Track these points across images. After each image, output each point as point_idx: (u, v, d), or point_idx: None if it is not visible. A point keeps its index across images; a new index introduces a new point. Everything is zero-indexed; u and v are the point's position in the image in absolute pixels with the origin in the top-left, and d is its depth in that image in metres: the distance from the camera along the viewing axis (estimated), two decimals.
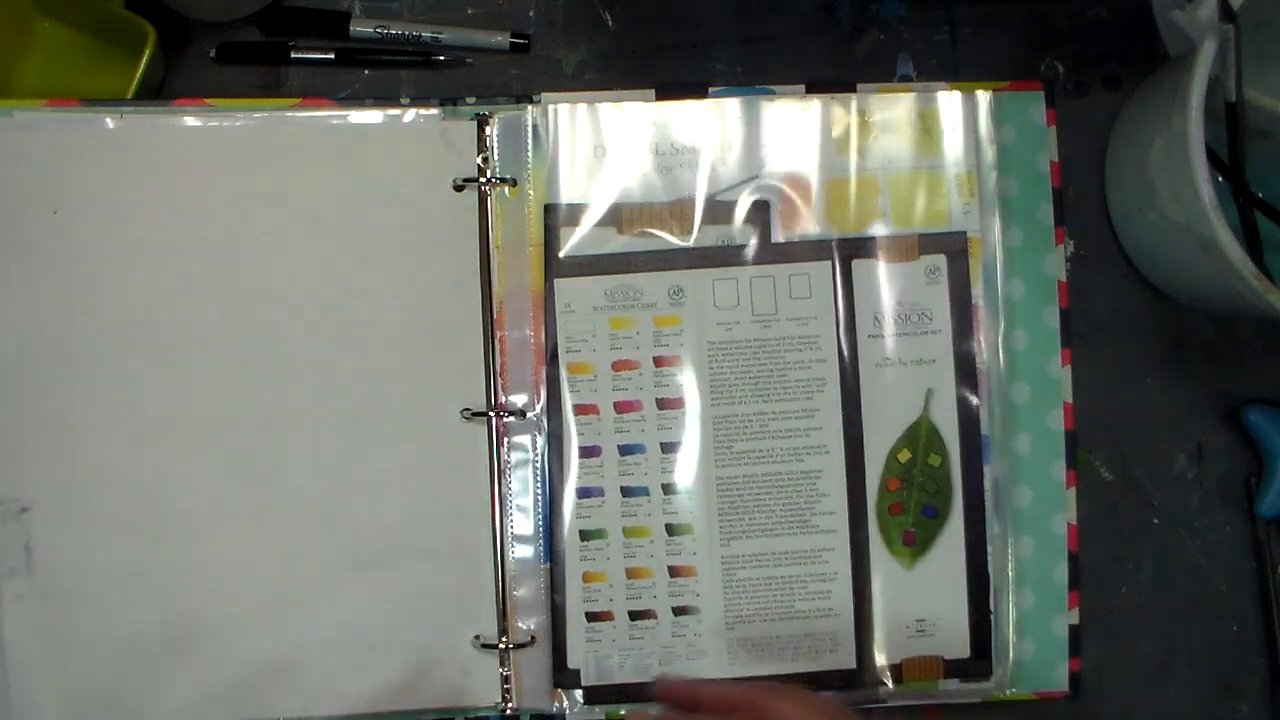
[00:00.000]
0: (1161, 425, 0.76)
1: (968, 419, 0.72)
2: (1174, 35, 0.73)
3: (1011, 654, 0.72)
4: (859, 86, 0.73)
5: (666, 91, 0.72)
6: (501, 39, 0.74)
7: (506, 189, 0.71)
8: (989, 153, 0.72)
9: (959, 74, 0.75)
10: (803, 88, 0.73)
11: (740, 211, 0.72)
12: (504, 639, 0.70)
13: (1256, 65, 0.69)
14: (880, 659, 0.71)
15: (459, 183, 0.71)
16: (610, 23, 0.76)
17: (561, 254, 0.71)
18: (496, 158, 0.71)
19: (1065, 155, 0.74)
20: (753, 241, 0.72)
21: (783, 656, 0.71)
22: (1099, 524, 0.75)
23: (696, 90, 0.72)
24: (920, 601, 0.72)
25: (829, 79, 0.73)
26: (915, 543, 0.72)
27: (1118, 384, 0.76)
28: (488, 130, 0.71)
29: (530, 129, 0.72)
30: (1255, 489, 0.75)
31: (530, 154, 0.71)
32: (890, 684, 0.71)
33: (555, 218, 0.71)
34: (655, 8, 0.76)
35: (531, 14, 0.75)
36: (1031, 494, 0.73)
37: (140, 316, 0.70)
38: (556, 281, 0.71)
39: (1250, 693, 0.76)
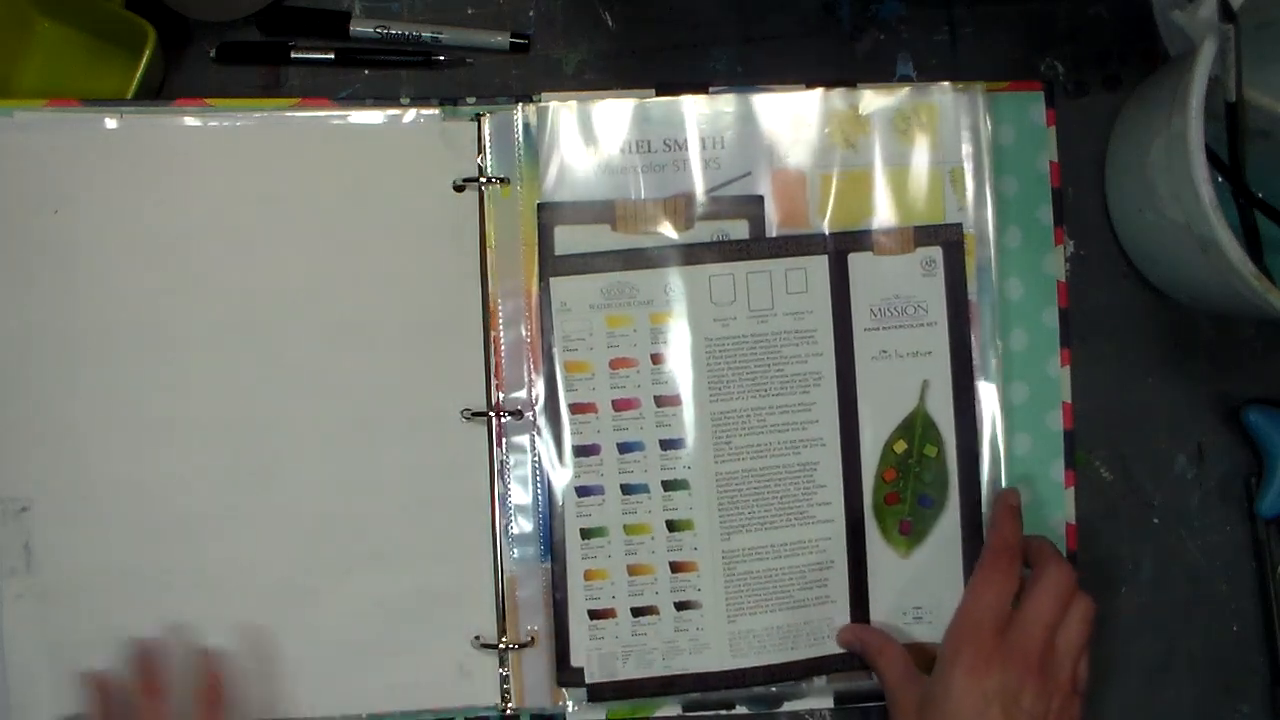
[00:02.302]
0: (1161, 425, 0.76)
1: (964, 410, 0.72)
2: (1174, 35, 0.74)
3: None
4: (861, 86, 0.73)
5: (666, 91, 0.72)
6: (501, 39, 0.74)
7: (499, 188, 0.71)
8: (984, 148, 0.73)
9: (959, 74, 0.75)
10: (803, 88, 0.73)
11: (735, 207, 0.72)
12: (503, 639, 0.70)
13: (1256, 65, 0.69)
14: None
15: (459, 183, 0.71)
16: (610, 23, 0.76)
17: (556, 253, 0.71)
18: (488, 157, 0.71)
19: (1065, 155, 0.75)
20: (747, 236, 0.72)
21: (783, 645, 0.71)
22: (1099, 524, 0.75)
23: (696, 90, 0.72)
24: (917, 589, 0.72)
25: (829, 79, 0.73)
26: (911, 532, 0.72)
27: (1118, 384, 0.76)
28: (483, 130, 0.71)
29: (522, 128, 0.72)
30: (1255, 489, 0.75)
31: (522, 153, 0.72)
32: None
33: (548, 216, 0.71)
34: (655, 8, 0.76)
35: (531, 14, 0.75)
36: (1031, 494, 0.73)
37: (140, 316, 0.70)
38: (552, 280, 0.71)
39: (1250, 693, 0.76)
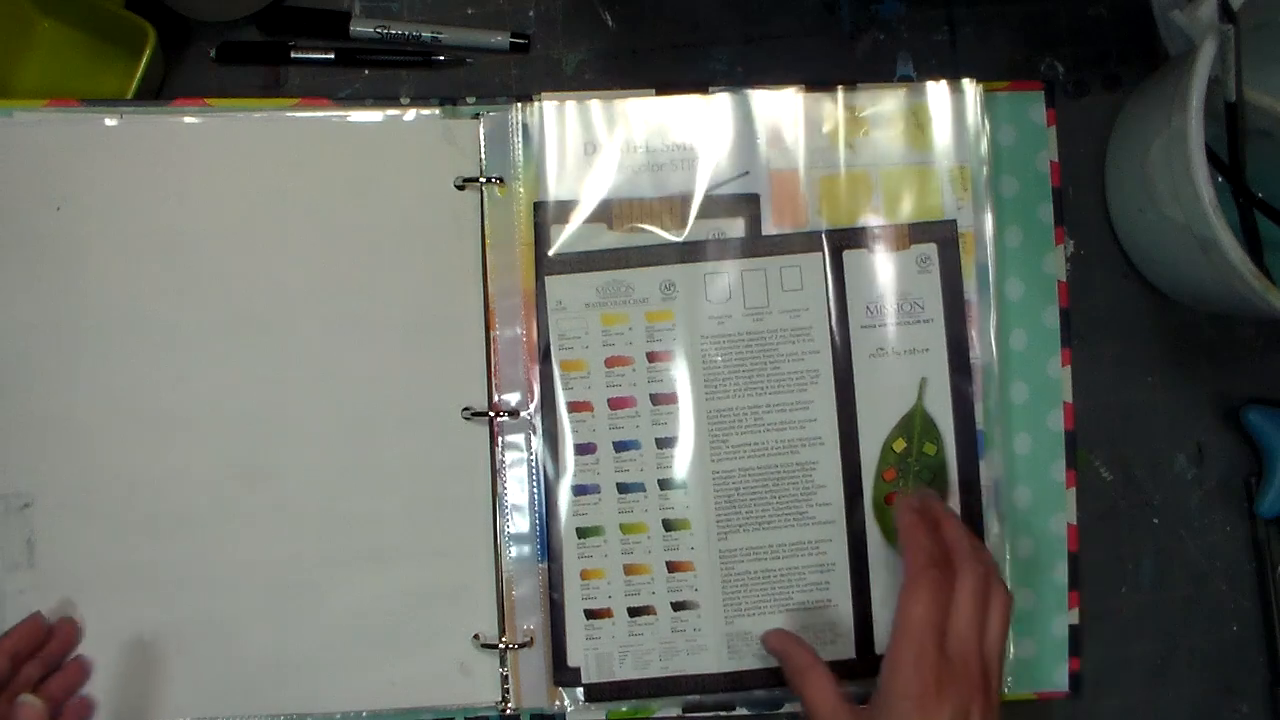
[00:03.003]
0: (1161, 425, 0.76)
1: (962, 407, 0.72)
2: (1174, 35, 0.73)
3: (1012, 653, 0.72)
4: (859, 86, 0.73)
5: (666, 91, 0.72)
6: (501, 39, 0.74)
7: (496, 188, 0.71)
8: (980, 145, 0.73)
9: (959, 74, 0.74)
10: (802, 88, 0.73)
11: (732, 206, 0.72)
12: (504, 638, 0.70)
13: (1256, 65, 0.69)
14: (880, 648, 0.71)
15: (460, 182, 0.71)
16: (610, 23, 0.76)
17: (551, 252, 0.71)
18: (484, 156, 0.72)
19: (1065, 155, 0.74)
20: (744, 235, 0.72)
21: None
22: (1099, 524, 0.75)
23: (696, 90, 0.72)
24: None
25: (829, 79, 0.73)
26: None
27: (1118, 384, 0.76)
28: (480, 129, 0.72)
29: (520, 128, 0.72)
30: (1255, 489, 0.75)
31: (519, 152, 0.72)
32: None
33: (544, 215, 0.71)
34: (655, 8, 0.76)
35: (531, 14, 0.75)
36: (1031, 494, 0.73)
37: (142, 314, 0.70)
38: (547, 279, 0.71)
39: (1250, 693, 0.76)
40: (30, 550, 0.69)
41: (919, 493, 0.70)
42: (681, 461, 0.71)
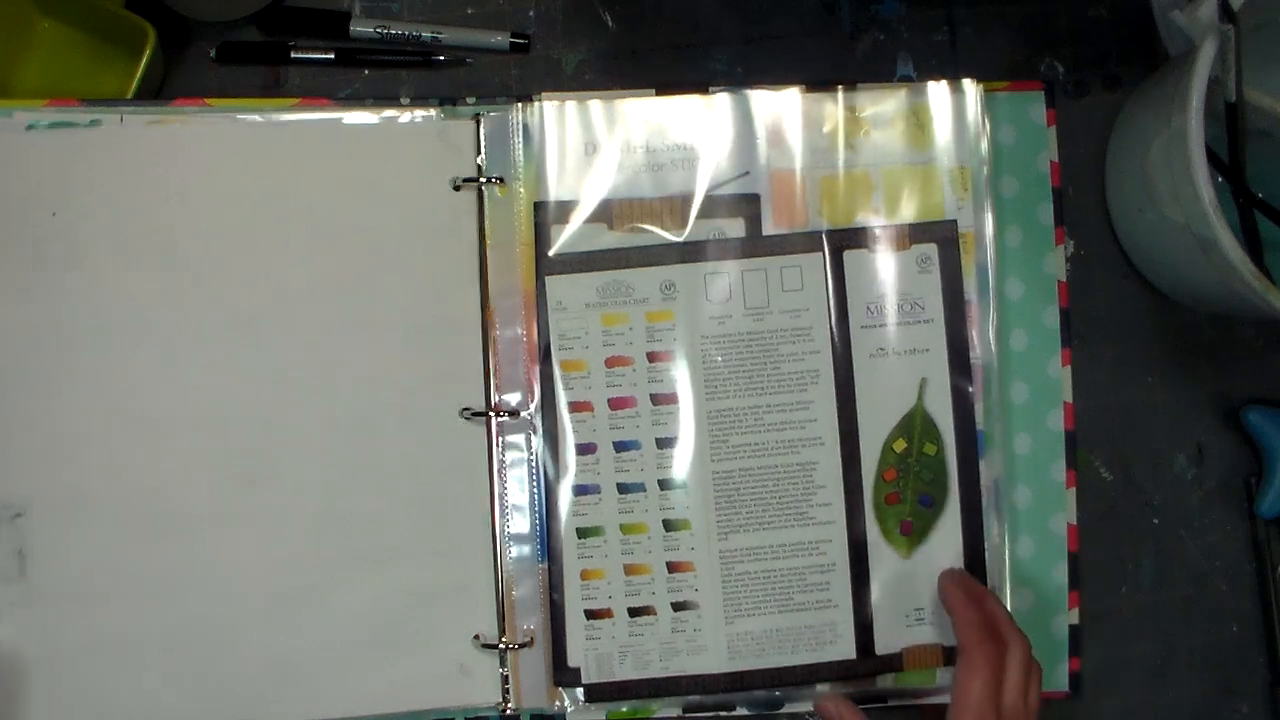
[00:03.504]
0: (1161, 425, 0.76)
1: (962, 407, 0.72)
2: (1174, 35, 0.73)
3: None
4: (859, 86, 0.73)
5: (666, 91, 0.72)
6: (501, 39, 0.74)
7: (496, 188, 0.71)
8: (981, 145, 0.73)
9: (959, 74, 0.74)
10: (802, 88, 0.73)
11: (732, 206, 0.72)
12: (504, 639, 0.70)
13: (1256, 65, 0.69)
14: (880, 649, 0.71)
15: (460, 182, 0.71)
16: (610, 23, 0.76)
17: (552, 252, 0.71)
18: (484, 157, 0.72)
19: (1065, 155, 0.75)
20: (744, 235, 0.72)
21: (783, 649, 0.71)
22: (1099, 524, 0.75)
23: (696, 90, 0.72)
24: (919, 590, 0.72)
25: (829, 79, 0.73)
26: (912, 532, 0.72)
27: (1118, 384, 0.76)
28: (480, 129, 0.72)
29: (520, 128, 0.72)
30: (1255, 489, 0.75)
31: (519, 152, 0.72)
32: (891, 673, 0.72)
33: (545, 215, 0.71)
34: (655, 8, 0.76)
35: (531, 14, 0.75)
36: (1031, 494, 0.73)
37: (138, 316, 0.70)
38: (548, 279, 0.71)
39: (1250, 693, 0.76)
40: (22, 560, 0.68)
41: (959, 571, 0.71)
42: (682, 462, 0.71)
